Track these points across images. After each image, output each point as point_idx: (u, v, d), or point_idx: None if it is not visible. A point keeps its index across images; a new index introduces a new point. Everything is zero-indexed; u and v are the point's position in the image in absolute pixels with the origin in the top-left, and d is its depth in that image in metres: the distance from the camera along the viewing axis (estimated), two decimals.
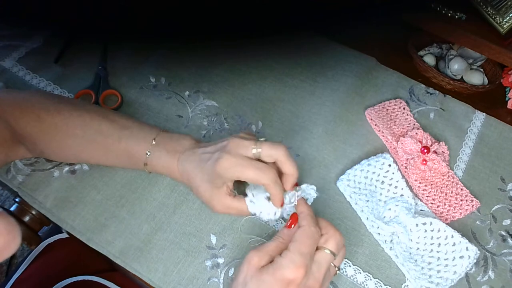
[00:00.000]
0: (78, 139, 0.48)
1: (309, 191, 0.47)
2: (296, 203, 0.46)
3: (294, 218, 0.43)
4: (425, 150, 0.55)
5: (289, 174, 0.44)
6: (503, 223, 0.54)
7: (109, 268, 0.65)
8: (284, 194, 0.44)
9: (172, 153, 0.48)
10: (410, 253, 0.49)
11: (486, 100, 0.68)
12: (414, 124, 0.61)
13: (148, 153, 0.48)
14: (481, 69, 0.72)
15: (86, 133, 0.48)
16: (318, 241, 0.41)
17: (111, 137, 0.48)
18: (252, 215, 0.46)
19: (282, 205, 0.44)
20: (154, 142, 0.48)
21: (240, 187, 0.48)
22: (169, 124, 0.59)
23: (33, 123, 0.47)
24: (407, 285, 0.48)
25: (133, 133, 0.49)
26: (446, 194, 0.54)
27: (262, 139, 0.44)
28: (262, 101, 0.63)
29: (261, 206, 0.45)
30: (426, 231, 0.49)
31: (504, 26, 0.64)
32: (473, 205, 0.54)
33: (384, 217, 0.50)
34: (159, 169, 0.49)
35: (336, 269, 0.43)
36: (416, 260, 0.48)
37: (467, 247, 0.47)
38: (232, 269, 0.48)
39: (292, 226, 0.43)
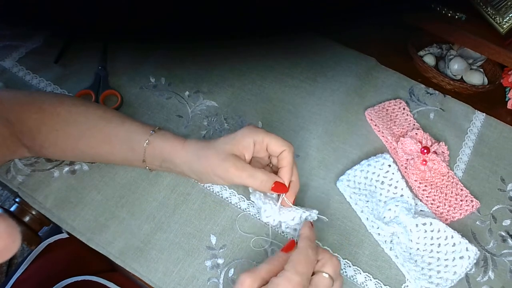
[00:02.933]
0: (79, 126, 0.48)
1: (313, 215, 0.49)
2: (301, 223, 0.48)
3: (291, 244, 0.43)
4: (425, 151, 0.55)
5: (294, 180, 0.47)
6: (503, 224, 0.54)
7: (109, 268, 0.65)
8: (292, 210, 0.48)
9: (179, 137, 0.49)
10: (410, 254, 0.49)
11: (486, 100, 0.68)
12: (414, 124, 0.61)
13: (152, 132, 0.48)
14: (481, 69, 0.72)
15: (89, 119, 0.48)
16: (314, 264, 0.40)
17: (114, 122, 0.49)
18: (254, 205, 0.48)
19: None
20: (157, 128, 0.49)
21: None
22: (169, 124, 0.59)
23: (34, 115, 0.48)
24: (407, 286, 0.48)
25: (137, 120, 0.50)
26: (446, 195, 0.54)
27: None
28: (262, 101, 0.63)
29: (264, 200, 0.47)
30: (426, 231, 0.49)
31: (504, 26, 0.64)
32: (473, 206, 0.54)
33: (384, 217, 0.50)
34: (162, 149, 0.48)
35: None
36: (416, 261, 0.48)
37: (467, 248, 0.47)
38: (232, 269, 0.48)
39: (288, 251, 0.42)
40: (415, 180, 0.55)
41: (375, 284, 0.48)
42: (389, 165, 0.54)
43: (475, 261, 0.48)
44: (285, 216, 0.48)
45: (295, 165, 0.48)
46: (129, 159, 0.50)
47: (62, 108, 0.48)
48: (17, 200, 0.55)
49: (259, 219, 0.51)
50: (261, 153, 0.47)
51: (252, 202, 0.52)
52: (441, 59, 0.73)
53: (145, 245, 0.49)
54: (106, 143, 0.49)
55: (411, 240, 0.49)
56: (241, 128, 0.47)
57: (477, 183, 0.57)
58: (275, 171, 0.50)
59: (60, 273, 0.61)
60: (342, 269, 0.49)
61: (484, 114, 0.65)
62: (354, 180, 0.54)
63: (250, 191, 0.51)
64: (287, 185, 0.46)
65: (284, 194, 0.47)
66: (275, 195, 0.49)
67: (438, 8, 0.69)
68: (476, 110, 0.65)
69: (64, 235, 0.67)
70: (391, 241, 0.50)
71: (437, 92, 0.66)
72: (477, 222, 0.54)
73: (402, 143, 0.56)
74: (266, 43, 0.70)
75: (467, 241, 0.48)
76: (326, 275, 0.39)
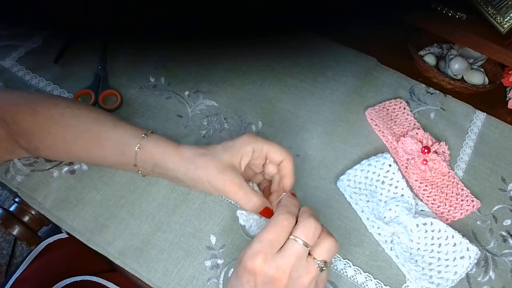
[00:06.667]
0: (72, 129, 0.48)
1: None
2: None
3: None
4: (426, 150, 0.54)
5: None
6: (504, 224, 0.54)
7: (108, 269, 0.65)
8: None
9: (171, 141, 0.48)
10: (410, 254, 0.48)
11: (487, 100, 0.68)
12: (415, 124, 0.61)
13: (144, 136, 0.47)
14: (482, 69, 0.71)
15: (81, 122, 0.48)
16: (286, 228, 0.38)
17: (106, 125, 0.48)
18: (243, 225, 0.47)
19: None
20: (150, 132, 0.48)
21: None
22: (169, 124, 0.59)
23: (29, 117, 0.47)
24: (408, 286, 0.48)
25: (130, 124, 0.49)
26: (446, 194, 0.54)
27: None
28: (262, 101, 0.63)
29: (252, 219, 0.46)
30: (426, 231, 0.49)
31: (505, 26, 0.64)
32: (473, 205, 0.54)
33: (385, 217, 0.50)
34: (154, 154, 0.46)
35: (319, 263, 0.38)
36: (416, 261, 0.48)
37: (467, 248, 0.47)
38: (232, 269, 0.47)
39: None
40: (416, 180, 0.55)
41: (376, 284, 0.48)
42: (390, 165, 0.54)
43: (475, 261, 0.47)
44: None
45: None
46: (121, 163, 0.49)
47: (55, 111, 0.48)
48: (16, 200, 0.55)
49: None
50: (258, 160, 0.47)
51: None
52: (442, 58, 0.73)
53: (145, 245, 0.49)
54: (98, 147, 0.48)
55: (412, 240, 0.49)
56: (241, 136, 0.46)
57: (478, 183, 0.57)
58: (268, 179, 0.50)
59: (60, 273, 0.61)
60: (342, 269, 0.49)
61: (485, 113, 0.65)
62: (355, 180, 0.54)
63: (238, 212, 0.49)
64: (289, 192, 0.45)
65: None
66: None
67: (438, 8, 0.69)
68: (477, 110, 0.65)
69: (63, 235, 0.67)
70: (391, 241, 0.50)
71: (437, 91, 0.66)
72: (478, 222, 0.54)
73: (402, 143, 0.56)
74: (266, 43, 0.70)
75: (467, 241, 0.48)
76: (296, 240, 0.37)
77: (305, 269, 0.37)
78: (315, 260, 0.38)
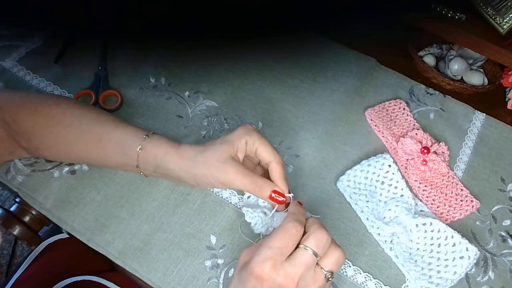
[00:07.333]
0: (73, 129, 0.48)
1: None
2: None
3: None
4: (425, 151, 0.55)
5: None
6: (503, 224, 0.54)
7: (109, 268, 0.65)
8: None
9: (172, 142, 0.48)
10: (410, 254, 0.49)
11: (486, 100, 0.68)
12: (414, 124, 0.61)
13: (146, 137, 0.47)
14: (481, 70, 0.72)
15: (83, 122, 0.48)
16: (295, 236, 0.38)
17: (107, 126, 0.48)
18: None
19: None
20: (151, 132, 0.48)
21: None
22: (169, 124, 0.59)
23: (30, 117, 0.47)
24: (407, 286, 0.48)
25: (131, 125, 0.49)
26: (446, 195, 0.54)
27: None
28: (262, 101, 0.63)
29: (258, 215, 0.46)
30: (426, 231, 0.49)
31: (504, 27, 0.64)
32: (473, 206, 0.54)
33: (384, 217, 0.50)
34: (155, 155, 0.46)
35: (326, 273, 0.38)
36: (416, 261, 0.48)
37: (467, 248, 0.47)
38: (232, 269, 0.48)
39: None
40: (415, 180, 0.55)
41: (375, 284, 0.48)
42: (389, 165, 0.54)
43: (475, 261, 0.48)
44: (279, 221, 0.47)
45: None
46: (123, 164, 0.49)
47: (57, 111, 0.48)
48: (17, 200, 0.55)
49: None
50: (251, 154, 0.47)
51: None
52: (441, 59, 0.73)
53: (145, 245, 0.49)
54: (99, 148, 0.48)
55: (411, 240, 0.49)
56: (238, 128, 0.47)
57: (477, 183, 0.57)
58: (267, 169, 0.49)
59: (60, 273, 0.61)
60: (342, 269, 0.49)
61: (484, 114, 0.65)
62: (354, 180, 0.54)
63: (242, 206, 0.50)
64: (295, 201, 0.45)
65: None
66: (267, 203, 0.48)
67: (438, 8, 0.69)
68: (476, 111, 0.65)
69: (64, 235, 0.67)
70: (391, 241, 0.50)
71: (437, 92, 0.66)
72: (477, 222, 0.54)
73: (402, 143, 0.56)
74: (266, 43, 0.70)
75: (467, 241, 0.48)
76: (307, 249, 0.37)
77: (312, 278, 0.37)
78: (323, 270, 0.38)
